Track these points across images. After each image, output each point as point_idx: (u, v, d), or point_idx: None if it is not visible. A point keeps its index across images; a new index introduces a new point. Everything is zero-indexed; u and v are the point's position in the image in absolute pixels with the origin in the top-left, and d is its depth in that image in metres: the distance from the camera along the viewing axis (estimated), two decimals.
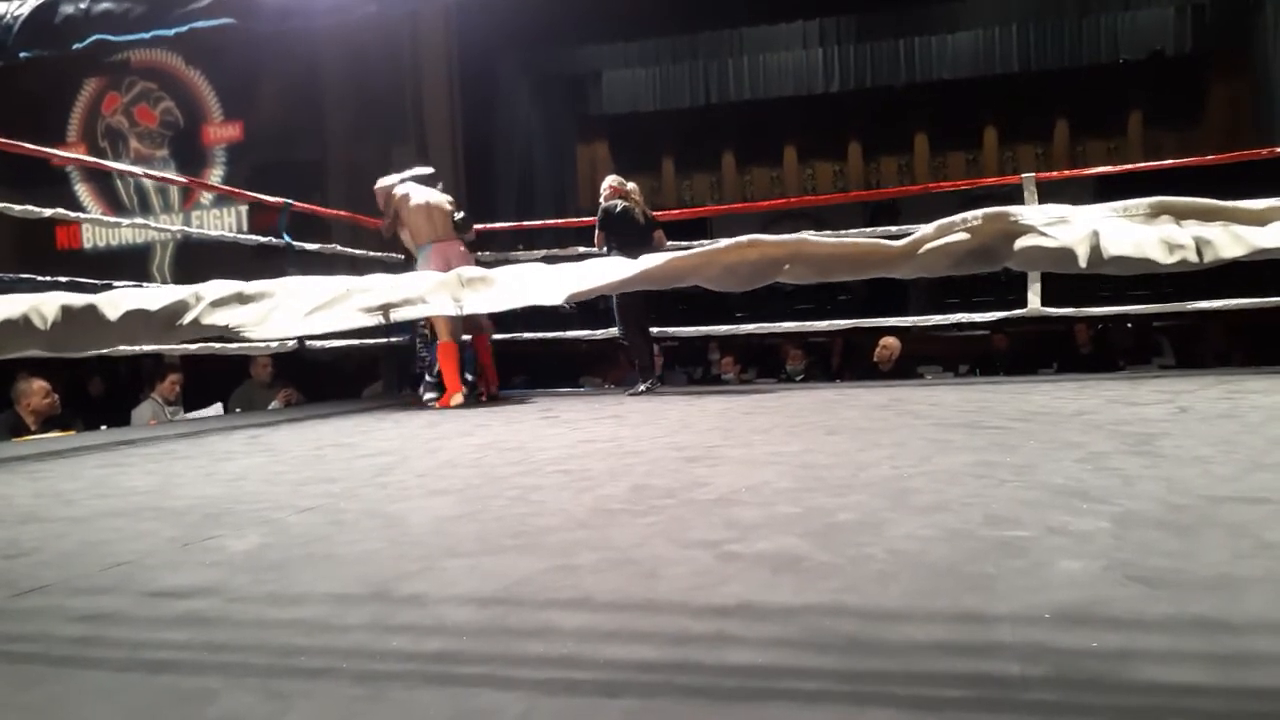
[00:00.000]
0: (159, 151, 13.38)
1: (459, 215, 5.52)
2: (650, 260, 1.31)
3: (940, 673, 1.03)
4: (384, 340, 6.26)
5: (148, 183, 13.40)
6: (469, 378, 5.56)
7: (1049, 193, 5.27)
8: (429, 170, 5.68)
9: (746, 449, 2.87)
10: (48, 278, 3.98)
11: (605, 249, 5.57)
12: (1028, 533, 1.59)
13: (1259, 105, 12.19)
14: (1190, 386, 4.19)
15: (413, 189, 5.49)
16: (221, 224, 13.03)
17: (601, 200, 5.70)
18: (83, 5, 2.17)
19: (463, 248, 5.45)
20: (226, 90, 13.02)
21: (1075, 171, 8.34)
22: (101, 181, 13.28)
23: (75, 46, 2.26)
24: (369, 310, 1.37)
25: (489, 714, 0.97)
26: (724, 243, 1.27)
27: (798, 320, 6.33)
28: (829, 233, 6.30)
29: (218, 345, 4.79)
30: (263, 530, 1.92)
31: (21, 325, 1.38)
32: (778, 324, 6.17)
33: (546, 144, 15.12)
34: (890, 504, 1.89)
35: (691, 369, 9.13)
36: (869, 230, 6.31)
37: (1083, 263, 1.09)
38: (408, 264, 5.59)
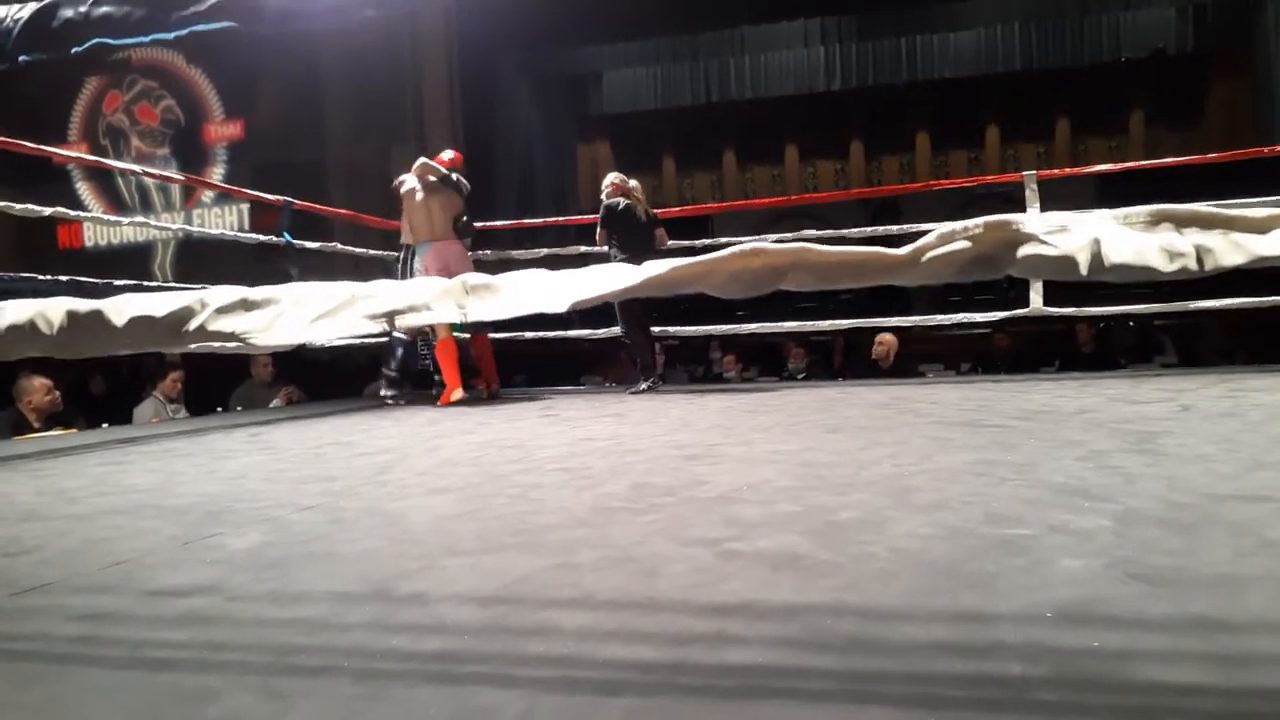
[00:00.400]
0: (160, 150, 13.39)
1: (463, 219, 5.52)
2: (654, 268, 1.31)
3: (941, 672, 1.03)
4: (384, 339, 6.26)
5: (149, 181, 13.42)
6: (437, 377, 5.59)
7: (1050, 191, 5.28)
8: (462, 181, 5.68)
9: (747, 447, 2.87)
10: (48, 277, 3.98)
11: (607, 246, 5.57)
12: (1029, 531, 1.59)
13: (1260, 104, 12.19)
14: (1192, 385, 4.18)
15: (418, 184, 5.48)
16: (223, 222, 13.05)
17: (603, 197, 5.70)
18: (82, 9, 2.17)
19: (459, 249, 5.44)
20: (227, 89, 13.04)
21: (1077, 169, 8.33)
22: (103, 180, 13.30)
23: (74, 50, 2.26)
24: (374, 317, 1.38)
25: (489, 713, 0.97)
26: (728, 251, 1.27)
27: (800, 319, 6.33)
28: (830, 233, 6.32)
29: (218, 345, 4.78)
30: (263, 528, 1.92)
31: (28, 330, 1.39)
32: (780, 323, 6.16)
33: (547, 144, 15.13)
34: (891, 502, 1.89)
35: (693, 367, 9.12)
36: (870, 231, 6.30)
37: (1084, 270, 1.09)
38: (406, 256, 5.60)
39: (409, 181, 5.51)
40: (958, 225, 1.18)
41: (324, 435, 3.87)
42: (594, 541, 1.67)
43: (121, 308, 1.40)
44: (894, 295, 10.22)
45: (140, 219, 11.63)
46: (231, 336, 1.36)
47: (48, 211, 4.31)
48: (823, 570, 1.42)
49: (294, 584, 1.49)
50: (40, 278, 4.17)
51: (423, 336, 5.84)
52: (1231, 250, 1.07)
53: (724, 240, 5.49)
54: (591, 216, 5.80)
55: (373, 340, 5.72)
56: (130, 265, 12.41)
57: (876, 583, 1.35)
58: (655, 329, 6.03)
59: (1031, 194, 5.36)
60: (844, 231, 6.24)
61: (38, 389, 5.10)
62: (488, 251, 6.63)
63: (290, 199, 5.79)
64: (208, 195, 13.12)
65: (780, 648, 1.12)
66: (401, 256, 5.71)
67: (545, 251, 6.38)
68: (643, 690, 1.02)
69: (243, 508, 2.18)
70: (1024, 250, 1.14)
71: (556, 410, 4.54)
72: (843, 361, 8.03)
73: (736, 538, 1.64)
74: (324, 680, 1.08)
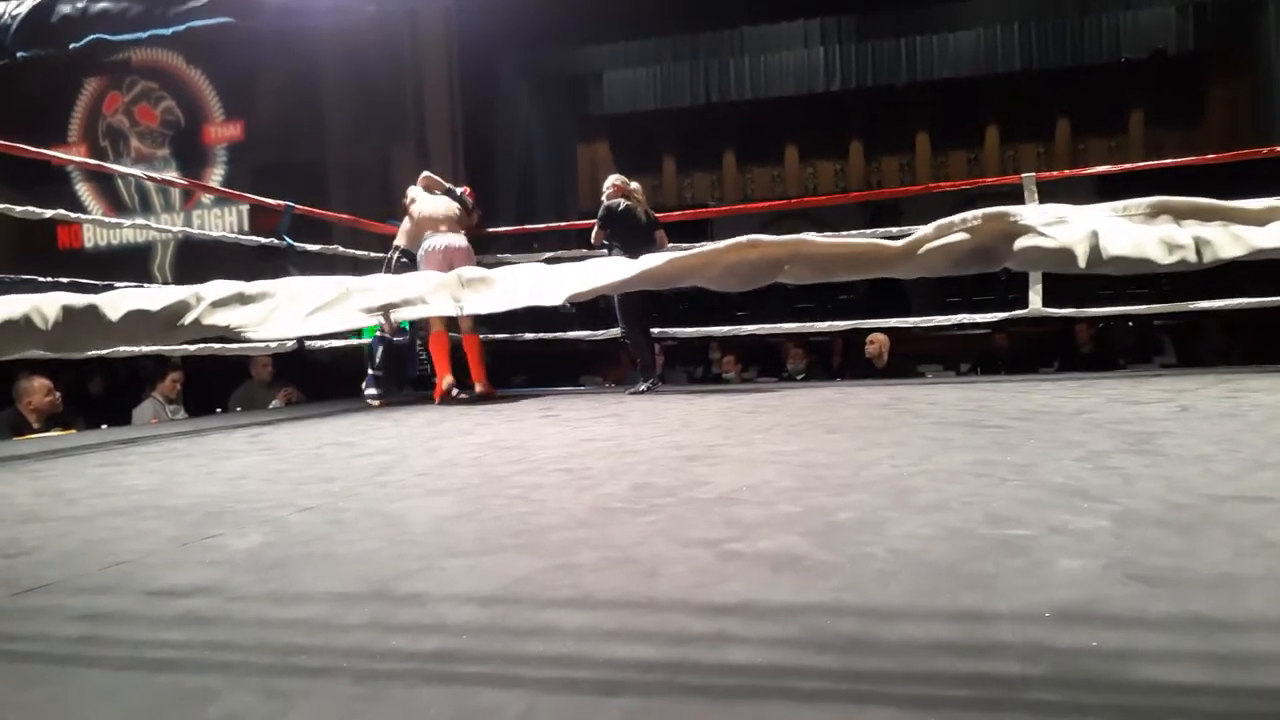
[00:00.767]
0: (160, 151, 13.38)
1: (467, 201, 5.61)
2: (650, 260, 1.31)
3: (940, 672, 1.03)
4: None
5: (149, 182, 13.41)
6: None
7: (1050, 192, 5.27)
8: (466, 198, 5.74)
9: (747, 448, 2.87)
10: (48, 278, 3.99)
11: (606, 247, 5.57)
12: (1028, 531, 1.59)
13: (1260, 104, 12.19)
14: (1191, 385, 4.18)
15: (422, 195, 5.57)
16: (223, 223, 13.04)
17: (604, 198, 5.71)
18: (80, 4, 2.17)
19: (464, 246, 5.46)
20: (227, 90, 13.03)
21: (1076, 170, 8.33)
22: (103, 181, 13.29)
23: (73, 46, 2.27)
24: (369, 310, 1.38)
25: (489, 713, 0.97)
26: (724, 243, 1.27)
27: (799, 320, 6.33)
28: (829, 233, 6.32)
29: (218, 345, 4.80)
30: (263, 529, 1.92)
31: (23, 325, 1.38)
32: (779, 324, 6.17)
33: (547, 144, 15.13)
34: (890, 503, 1.89)
35: (692, 368, 9.12)
36: (870, 230, 6.30)
37: (1082, 263, 1.09)
38: (407, 260, 5.61)
39: (412, 191, 5.62)
40: (955, 217, 1.18)
41: (323, 436, 3.87)
42: (594, 542, 1.67)
43: (117, 302, 1.39)
44: (892, 295, 10.22)
45: (139, 221, 11.63)
46: (227, 331, 1.36)
47: (48, 214, 4.32)
48: (822, 571, 1.42)
49: (294, 584, 1.49)
50: (40, 279, 4.17)
51: (419, 338, 5.84)
52: (1230, 242, 1.07)
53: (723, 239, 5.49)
54: (592, 220, 5.80)
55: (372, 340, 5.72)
56: (130, 266, 12.41)
57: (876, 583, 1.35)
58: (655, 330, 6.04)
59: (1030, 195, 5.37)
60: (843, 233, 6.23)
61: (37, 390, 5.11)
62: (486, 256, 6.63)
63: (291, 203, 5.79)
64: (207, 196, 13.11)
65: (780, 648, 1.12)
66: (390, 257, 5.72)
67: (547, 255, 6.39)
68: (643, 690, 1.02)
69: (243, 508, 2.18)
70: (1022, 242, 1.14)
71: (556, 411, 4.54)
72: (841, 362, 8.03)
73: (736, 538, 1.64)
74: (324, 680, 1.08)
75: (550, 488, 2.28)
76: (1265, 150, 5.59)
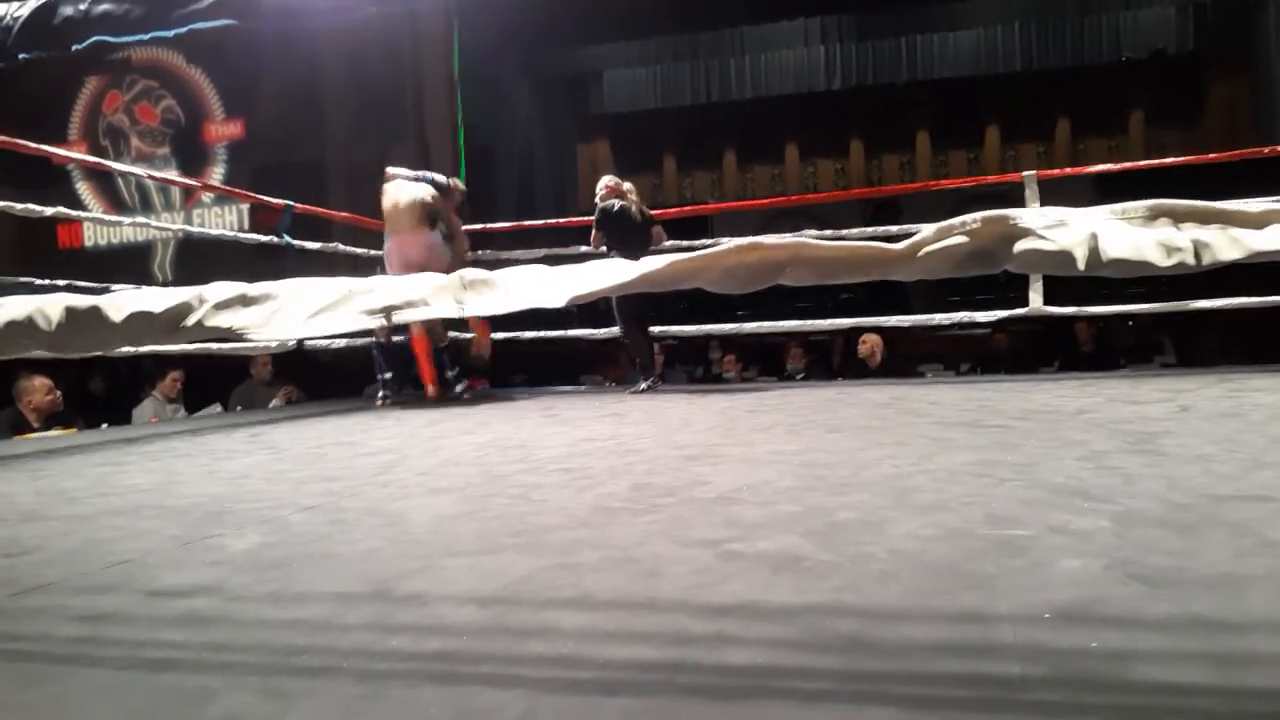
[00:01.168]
0: (160, 149, 13.38)
1: (439, 180, 5.59)
2: (651, 263, 1.31)
3: (940, 672, 1.03)
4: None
5: (149, 180, 13.41)
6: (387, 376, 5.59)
7: (1050, 191, 5.27)
8: (441, 178, 5.69)
9: (747, 448, 2.87)
10: (46, 280, 3.99)
11: (604, 248, 5.57)
12: (1028, 532, 1.59)
13: (1260, 104, 12.19)
14: (1192, 385, 4.18)
15: (389, 186, 5.52)
16: (223, 222, 13.03)
17: (598, 200, 5.70)
18: (82, 6, 2.17)
19: (427, 240, 5.40)
20: (228, 88, 13.02)
21: (1077, 169, 8.32)
22: (103, 180, 13.28)
23: (75, 48, 2.26)
24: (371, 312, 1.38)
25: (489, 713, 0.97)
26: (724, 245, 1.27)
27: (799, 319, 6.33)
28: (829, 233, 6.32)
29: (216, 346, 4.80)
30: (264, 529, 1.92)
31: (26, 326, 1.38)
32: (779, 323, 6.16)
33: (547, 143, 15.13)
34: (891, 503, 1.89)
35: (692, 368, 9.12)
36: (869, 230, 6.30)
37: (1081, 265, 1.09)
38: (368, 259, 5.63)
39: (386, 184, 5.57)
40: (955, 220, 1.18)
41: (324, 435, 3.87)
42: (594, 542, 1.67)
43: (120, 304, 1.40)
44: (892, 295, 10.21)
45: (140, 219, 11.62)
46: (229, 332, 1.36)
47: (48, 211, 4.32)
48: (823, 571, 1.42)
49: (295, 584, 1.49)
50: (38, 281, 4.17)
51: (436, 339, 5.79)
52: (1229, 245, 1.07)
53: (723, 240, 5.49)
54: (591, 218, 5.79)
55: (373, 340, 5.72)
56: (130, 265, 12.41)
57: (876, 583, 1.35)
58: (655, 329, 6.04)
59: (1031, 194, 5.36)
60: (843, 232, 6.23)
61: (38, 389, 5.11)
62: (487, 252, 6.63)
63: (291, 203, 5.79)
64: (208, 195, 13.11)
65: (780, 648, 1.12)
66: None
67: (544, 252, 6.38)
68: (643, 690, 1.02)
69: (243, 508, 2.18)
70: (1021, 245, 1.14)
71: (557, 410, 4.54)
72: (842, 362, 8.04)
73: (737, 538, 1.64)
74: (324, 680, 1.08)
75: (551, 487, 2.28)
76: (1266, 150, 5.58)
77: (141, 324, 1.39)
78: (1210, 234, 1.09)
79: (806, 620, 1.21)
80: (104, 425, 5.50)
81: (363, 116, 11.57)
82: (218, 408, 6.45)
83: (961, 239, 1.17)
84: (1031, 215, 1.15)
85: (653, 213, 5.91)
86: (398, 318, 1.45)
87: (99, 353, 1.53)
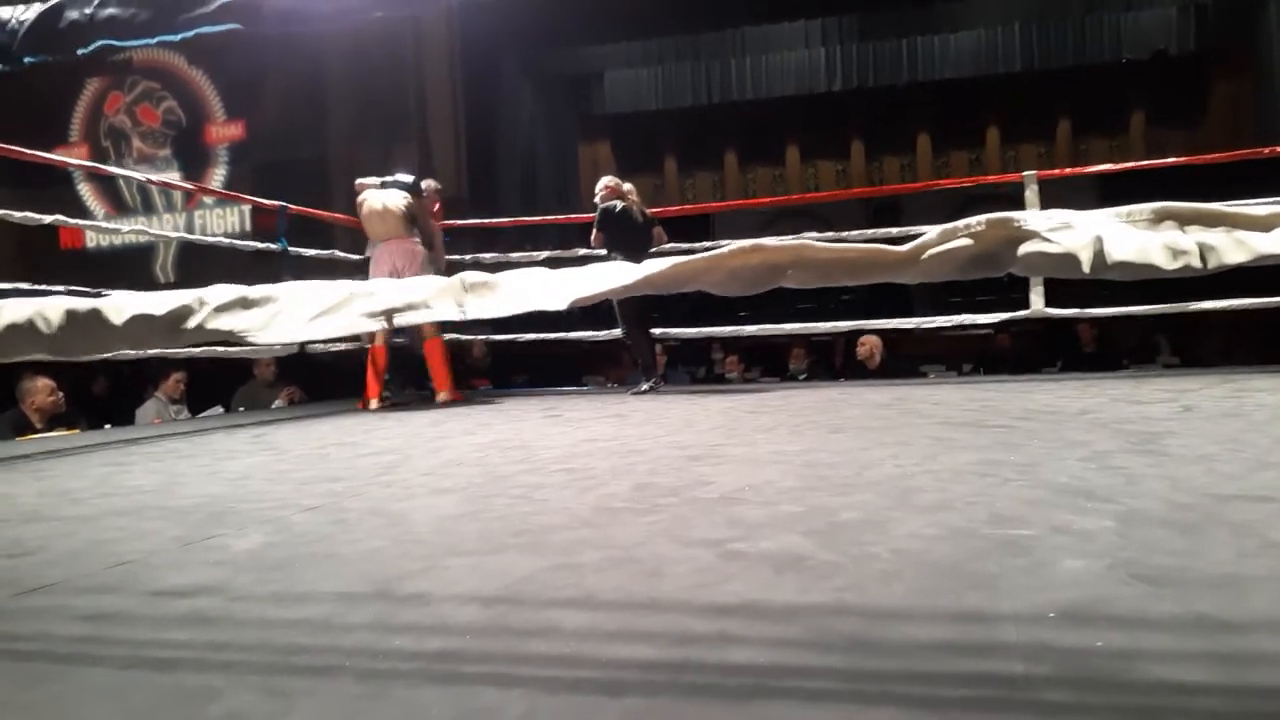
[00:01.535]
0: (161, 151, 13.40)
1: (424, 184, 5.58)
2: (653, 266, 1.31)
3: (943, 672, 1.03)
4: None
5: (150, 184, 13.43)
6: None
7: (1051, 191, 5.27)
8: (408, 178, 5.66)
9: (749, 448, 2.87)
10: (44, 285, 4.00)
11: (605, 249, 5.57)
12: (1031, 531, 1.58)
13: (1261, 104, 12.19)
14: (1195, 385, 4.18)
15: (370, 195, 5.50)
16: (224, 223, 13.06)
17: (597, 201, 5.70)
18: (87, 10, 2.17)
19: (413, 246, 5.41)
20: (229, 90, 13.05)
21: (1078, 169, 8.32)
22: (104, 181, 13.31)
23: (80, 52, 2.27)
24: (372, 315, 1.38)
25: (491, 713, 0.97)
26: (727, 248, 1.27)
27: (801, 320, 6.33)
28: (831, 235, 6.32)
29: (220, 347, 4.81)
30: (266, 529, 1.92)
31: (26, 329, 1.38)
32: (781, 325, 6.16)
33: (549, 144, 15.15)
34: (894, 503, 1.88)
35: (694, 368, 9.13)
36: (871, 231, 6.29)
37: (1086, 268, 1.09)
38: (367, 263, 5.61)
39: (363, 195, 5.55)
40: (959, 223, 1.18)
41: (327, 436, 3.87)
42: (597, 542, 1.67)
43: (121, 306, 1.40)
44: (895, 296, 10.21)
45: (139, 226, 11.66)
46: (230, 335, 1.36)
47: (47, 220, 4.35)
48: (825, 571, 1.41)
49: (297, 584, 1.49)
50: (39, 287, 4.19)
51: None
52: (1235, 248, 1.07)
53: (725, 241, 5.49)
54: (592, 215, 5.79)
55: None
56: (132, 266, 12.44)
57: (879, 583, 1.34)
58: (657, 330, 6.04)
59: (1032, 194, 5.36)
60: (845, 233, 6.23)
61: (41, 390, 5.12)
62: (489, 254, 6.63)
63: (285, 204, 5.79)
64: (209, 196, 13.13)
65: (783, 648, 1.12)
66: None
67: (546, 254, 6.38)
68: (645, 690, 1.02)
69: (246, 508, 2.18)
70: (1025, 248, 1.14)
71: (559, 411, 4.55)
72: (844, 362, 8.04)
73: (739, 538, 1.64)
74: (326, 680, 1.08)
75: (553, 487, 2.28)
76: (1267, 150, 5.58)
77: (142, 326, 1.39)
78: (1216, 237, 1.08)
79: (809, 620, 1.21)
80: (107, 426, 5.51)
81: (364, 117, 11.59)
82: (220, 410, 6.45)
83: (965, 242, 1.17)
84: (1036, 218, 1.15)
85: (653, 212, 5.91)
86: (399, 320, 1.45)
87: (100, 355, 1.53)
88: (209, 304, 1.38)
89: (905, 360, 7.36)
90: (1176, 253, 1.07)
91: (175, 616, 1.35)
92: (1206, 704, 0.93)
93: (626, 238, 5.48)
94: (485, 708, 0.98)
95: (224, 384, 6.75)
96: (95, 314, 1.40)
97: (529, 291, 1.33)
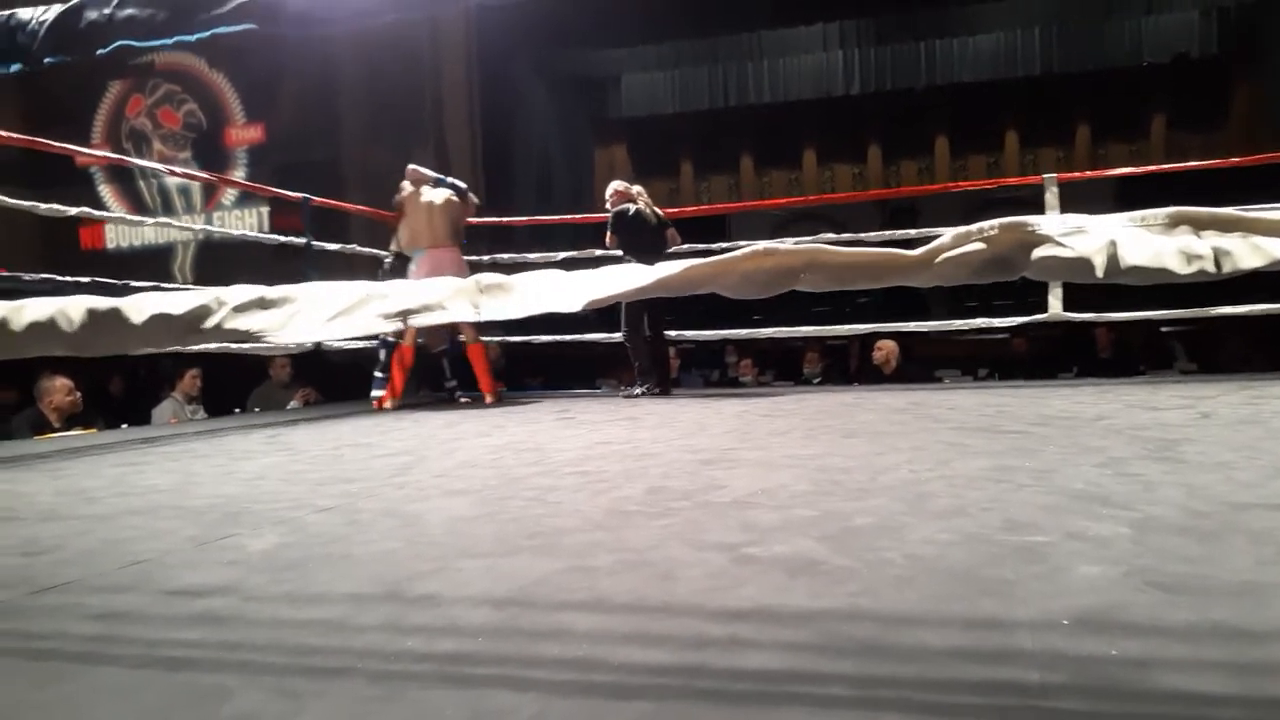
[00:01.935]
0: (181, 153, 13.50)
1: (461, 185, 5.57)
2: (667, 268, 1.31)
3: (957, 679, 1.02)
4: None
5: (170, 184, 13.54)
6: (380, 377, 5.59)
7: (1070, 194, 5.24)
8: (461, 184, 5.66)
9: (763, 452, 2.86)
10: (69, 278, 4.04)
11: (621, 252, 5.57)
12: (1047, 538, 1.57)
13: None
14: (1212, 391, 4.15)
15: (421, 191, 5.49)
16: (244, 224, 13.14)
17: (608, 206, 5.70)
18: (106, 11, 2.19)
19: (459, 257, 5.42)
20: (249, 92, 13.13)
21: (1097, 173, 8.27)
22: (125, 183, 13.42)
23: (99, 52, 2.28)
24: (388, 316, 1.38)
25: (504, 715, 0.97)
26: (741, 251, 1.27)
27: (816, 323, 6.31)
28: (847, 236, 6.30)
29: (235, 346, 4.83)
30: (280, 529, 1.93)
31: (48, 327, 1.40)
32: (795, 328, 6.15)
33: (564, 146, 15.16)
34: (908, 508, 1.88)
35: (708, 371, 9.11)
36: (887, 234, 6.27)
37: (1100, 273, 1.09)
38: (398, 264, 5.60)
39: (408, 188, 5.54)
40: (973, 227, 1.17)
41: (342, 436, 3.88)
42: (609, 545, 1.67)
43: (140, 306, 1.41)
44: (911, 300, 10.17)
45: (163, 219, 11.75)
46: (248, 335, 1.37)
47: (72, 211, 4.38)
48: (839, 576, 1.41)
49: (310, 585, 1.50)
50: (59, 279, 4.22)
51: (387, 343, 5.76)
52: (1250, 253, 1.06)
53: (741, 243, 5.48)
54: (606, 215, 5.78)
55: (391, 342, 5.74)
56: (151, 266, 12.52)
57: (893, 589, 1.34)
58: (671, 333, 6.03)
59: (1052, 197, 5.33)
60: (861, 236, 6.21)
61: (59, 389, 5.16)
62: (505, 255, 6.65)
63: (308, 196, 5.82)
64: (228, 198, 13.22)
65: (795, 653, 1.11)
66: (390, 263, 5.70)
67: (562, 255, 6.39)
68: (657, 694, 1.02)
69: (260, 509, 2.19)
70: (1039, 252, 1.13)
71: (572, 413, 4.55)
72: (858, 366, 8.01)
73: (752, 542, 1.63)
74: (338, 681, 1.08)
75: (566, 490, 2.28)
76: None
77: (161, 325, 1.40)
78: (1231, 241, 1.07)
79: (822, 625, 1.20)
80: (123, 425, 5.54)
81: (382, 119, 11.64)
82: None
83: (979, 246, 1.17)
84: (1050, 222, 1.14)
85: (667, 214, 5.90)
86: (414, 321, 1.46)
87: (119, 353, 1.54)
88: (227, 304, 1.39)
89: (920, 364, 7.32)
90: (1191, 257, 1.07)
91: (189, 616, 1.36)
92: (1223, 714, 0.92)
93: (640, 240, 5.47)
94: (498, 710, 0.98)
95: (240, 385, 6.78)
96: (115, 312, 1.41)
97: (543, 294, 1.33)
